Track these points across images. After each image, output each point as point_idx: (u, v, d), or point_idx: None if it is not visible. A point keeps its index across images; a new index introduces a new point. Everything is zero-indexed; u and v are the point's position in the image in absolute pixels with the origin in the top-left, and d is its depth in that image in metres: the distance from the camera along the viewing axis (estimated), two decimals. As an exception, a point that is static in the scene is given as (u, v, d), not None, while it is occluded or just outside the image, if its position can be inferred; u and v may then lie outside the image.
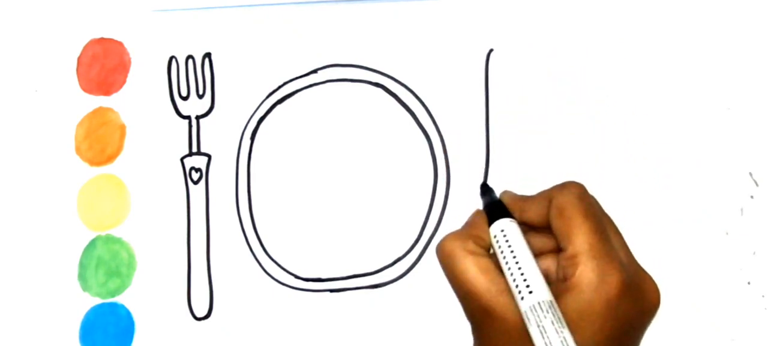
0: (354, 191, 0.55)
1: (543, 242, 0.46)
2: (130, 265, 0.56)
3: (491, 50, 0.55)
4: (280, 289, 0.54)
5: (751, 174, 0.53)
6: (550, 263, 0.46)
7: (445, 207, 0.54)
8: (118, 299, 0.55)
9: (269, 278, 0.55)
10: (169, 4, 0.58)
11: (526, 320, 0.42)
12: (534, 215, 0.46)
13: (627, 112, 0.54)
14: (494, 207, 0.47)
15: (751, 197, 0.52)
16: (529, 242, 0.45)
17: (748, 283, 0.52)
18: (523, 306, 0.42)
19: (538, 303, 0.42)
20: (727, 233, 0.52)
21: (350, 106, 0.56)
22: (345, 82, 0.56)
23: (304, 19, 0.57)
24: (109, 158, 0.57)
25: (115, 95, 0.58)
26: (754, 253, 0.52)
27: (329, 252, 0.54)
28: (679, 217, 0.52)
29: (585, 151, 0.54)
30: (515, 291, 0.43)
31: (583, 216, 0.43)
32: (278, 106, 0.56)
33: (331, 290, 0.54)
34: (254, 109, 0.56)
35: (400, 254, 0.54)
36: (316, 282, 0.54)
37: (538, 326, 0.41)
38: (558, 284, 0.43)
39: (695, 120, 0.53)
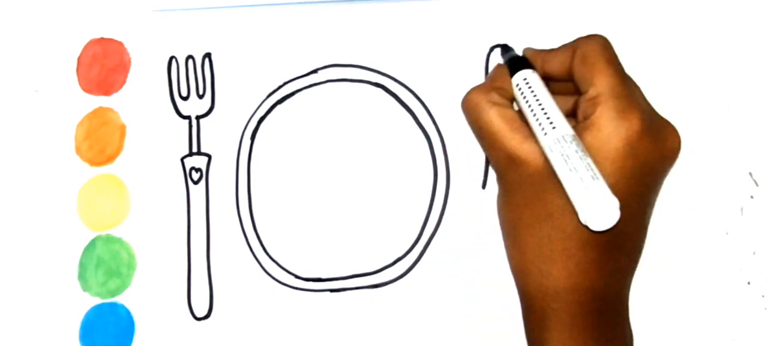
0: (354, 191, 0.55)
1: (564, 88, 0.48)
2: (130, 265, 0.56)
3: (491, 50, 0.55)
4: (280, 289, 0.54)
5: (751, 174, 0.53)
6: (570, 106, 0.47)
7: (445, 207, 0.54)
8: (118, 299, 0.55)
9: (269, 278, 0.55)
10: (169, 4, 0.58)
11: (550, 152, 0.43)
12: (558, 64, 0.47)
13: (627, 112, 0.54)
14: (516, 60, 0.49)
15: (751, 197, 0.52)
16: (550, 89, 0.47)
17: (748, 283, 0.52)
18: (547, 141, 0.44)
19: (562, 136, 0.43)
20: (727, 233, 0.52)
21: (350, 106, 0.56)
22: (345, 82, 0.56)
23: (304, 19, 0.57)
24: (109, 158, 0.57)
25: (115, 95, 0.58)
26: (754, 253, 0.52)
27: (329, 252, 0.54)
28: (679, 217, 0.52)
29: (585, 151, 0.54)
30: (539, 131, 0.44)
31: (606, 61, 0.45)
32: (278, 106, 0.56)
33: (331, 290, 0.54)
34: (254, 109, 0.56)
35: (400, 254, 0.54)
36: (316, 282, 0.54)
37: (562, 155, 0.42)
38: (578, 125, 0.44)
39: (695, 120, 0.53)
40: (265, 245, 0.55)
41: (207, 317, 0.55)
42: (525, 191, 0.45)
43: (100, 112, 0.57)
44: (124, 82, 0.58)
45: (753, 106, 0.53)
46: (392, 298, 0.54)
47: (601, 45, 0.46)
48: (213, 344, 0.54)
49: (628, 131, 0.43)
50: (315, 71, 0.57)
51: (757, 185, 0.53)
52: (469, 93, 0.48)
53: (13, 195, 0.57)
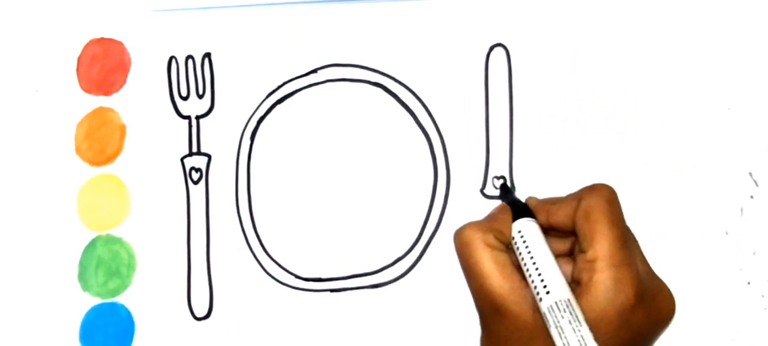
0: (354, 191, 0.55)
1: (562, 245, 0.47)
2: (130, 265, 0.56)
3: (491, 49, 0.55)
4: (280, 289, 0.54)
5: (751, 174, 0.53)
6: (566, 267, 0.46)
7: (445, 207, 0.54)
8: (118, 299, 0.55)
9: (269, 278, 0.55)
10: (169, 4, 0.58)
11: (546, 321, 0.42)
12: (562, 216, 0.46)
13: (626, 112, 0.54)
14: (518, 206, 0.47)
15: (751, 197, 0.52)
16: (551, 246, 0.45)
17: (748, 283, 0.52)
18: (542, 307, 0.43)
19: (556, 303, 0.42)
20: (727, 233, 0.52)
21: (350, 106, 0.56)
22: (345, 81, 0.56)
23: (304, 19, 0.57)
24: (109, 158, 0.57)
25: (115, 95, 0.58)
26: (754, 253, 0.52)
27: (329, 252, 0.54)
28: (679, 217, 0.52)
29: (585, 150, 0.54)
30: (534, 292, 0.43)
31: (609, 223, 0.43)
32: (278, 106, 0.56)
33: (331, 290, 0.54)
34: (254, 109, 0.56)
35: (400, 254, 0.54)
36: (316, 282, 0.54)
37: (556, 327, 0.41)
38: (573, 287, 0.43)
39: (695, 120, 0.53)
40: (265, 245, 0.55)
41: (207, 317, 0.55)
42: (511, 343, 0.44)
43: (100, 112, 0.57)
44: (124, 82, 0.58)
45: (753, 106, 0.53)
46: (392, 298, 0.54)
47: (606, 200, 0.44)
48: (213, 344, 0.54)
49: (623, 305, 0.42)
50: (315, 71, 0.56)
51: (757, 185, 0.53)
52: (463, 228, 0.46)
53: (13, 195, 0.57)
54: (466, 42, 0.55)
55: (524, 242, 0.45)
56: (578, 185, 0.53)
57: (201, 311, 0.55)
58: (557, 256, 0.46)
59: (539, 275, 0.43)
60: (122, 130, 0.57)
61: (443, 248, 0.54)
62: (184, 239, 0.56)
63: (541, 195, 0.53)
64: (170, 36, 0.58)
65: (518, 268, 0.45)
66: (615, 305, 0.42)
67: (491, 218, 0.47)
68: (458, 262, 0.46)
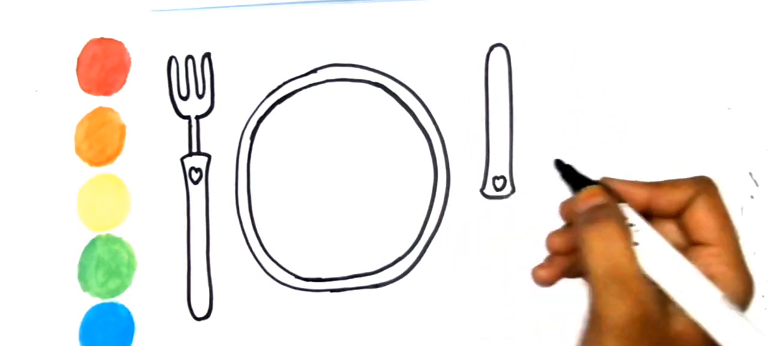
0: (354, 191, 0.55)
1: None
2: (130, 265, 0.56)
3: (491, 49, 0.55)
4: (280, 289, 0.54)
5: (751, 174, 0.53)
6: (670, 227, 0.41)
7: (445, 207, 0.54)
8: (118, 299, 0.55)
9: (269, 278, 0.55)
10: (169, 4, 0.58)
11: (708, 326, 0.38)
12: (669, 201, 0.41)
13: (627, 112, 0.54)
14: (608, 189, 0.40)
15: (751, 197, 0.52)
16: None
17: (748, 283, 0.52)
18: (701, 316, 0.38)
19: (715, 303, 0.37)
20: (727, 233, 0.52)
21: (350, 106, 0.56)
22: (345, 81, 0.56)
23: (304, 19, 0.57)
24: (109, 158, 0.57)
25: (115, 95, 0.58)
26: (754, 253, 0.52)
27: (329, 252, 0.54)
28: (679, 217, 0.52)
29: (585, 150, 0.54)
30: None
31: (727, 218, 0.40)
32: (278, 106, 0.56)
33: (331, 290, 0.54)
34: (254, 109, 0.56)
35: (400, 254, 0.54)
36: (316, 282, 0.54)
37: (725, 328, 0.37)
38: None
39: (695, 120, 0.53)
40: (265, 245, 0.55)
41: (207, 317, 0.55)
42: None
43: (100, 112, 0.57)
44: (124, 82, 0.58)
45: (753, 106, 0.53)
46: (392, 298, 0.54)
47: (722, 199, 0.41)
48: (213, 344, 0.54)
49: (750, 283, 0.40)
50: (314, 71, 0.56)
51: (757, 185, 0.52)
52: (607, 221, 0.39)
53: (13, 195, 0.57)
54: (466, 42, 0.55)
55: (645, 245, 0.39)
56: (578, 184, 0.53)
57: (201, 311, 0.55)
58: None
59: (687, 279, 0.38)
60: (122, 130, 0.57)
61: (443, 248, 0.54)
62: (184, 239, 0.56)
63: (541, 195, 0.53)
64: (170, 36, 0.58)
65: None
66: (752, 293, 0.41)
67: (618, 219, 0.40)
68: (589, 259, 0.39)
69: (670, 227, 0.43)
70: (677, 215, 0.42)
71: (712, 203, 0.41)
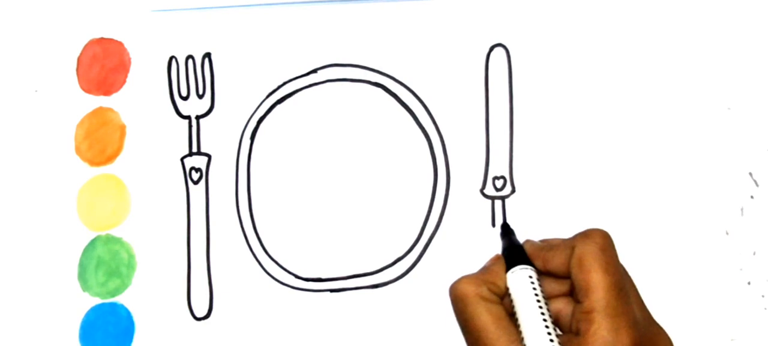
0: (354, 191, 0.55)
1: (559, 285, 0.46)
2: (130, 265, 0.56)
3: (491, 49, 0.55)
4: (280, 289, 0.54)
5: (751, 174, 0.53)
6: (563, 306, 0.45)
7: (445, 207, 0.54)
8: (118, 299, 0.55)
9: (269, 278, 0.55)
10: (169, 4, 0.58)
11: None
12: (557, 264, 0.45)
13: (627, 112, 0.54)
14: (513, 253, 0.47)
15: (751, 197, 0.52)
16: (543, 287, 0.45)
17: (748, 283, 0.52)
18: None
19: None
20: (727, 233, 0.52)
21: (350, 106, 0.56)
22: (345, 82, 0.56)
23: (304, 19, 0.57)
24: (109, 158, 0.57)
25: (115, 95, 0.58)
26: (754, 253, 0.52)
27: (329, 252, 0.54)
28: (679, 217, 0.52)
29: (585, 150, 0.54)
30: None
31: (603, 271, 0.43)
32: (278, 106, 0.56)
33: (331, 290, 0.54)
34: (254, 109, 0.56)
35: (400, 254, 0.54)
36: (316, 282, 0.54)
37: None
38: (571, 337, 0.43)
39: (695, 120, 0.53)
40: (265, 245, 0.55)
41: (207, 317, 0.55)
42: None
43: (100, 112, 0.57)
44: (124, 82, 0.58)
45: (753, 106, 0.53)
46: (392, 298, 0.54)
47: (599, 248, 0.44)
48: (213, 344, 0.54)
49: None
50: (315, 71, 0.57)
51: (757, 185, 0.53)
52: (458, 282, 0.45)
53: (13, 195, 0.57)
54: (466, 42, 0.55)
55: (516, 293, 0.45)
56: (578, 184, 0.53)
57: (201, 311, 0.55)
58: (557, 297, 0.46)
59: (528, 328, 0.43)
60: (122, 130, 0.57)
61: (443, 248, 0.54)
62: (184, 239, 0.56)
63: (541, 195, 0.53)
64: (170, 36, 0.58)
65: (515, 319, 0.44)
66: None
67: (485, 270, 0.47)
68: (455, 316, 0.46)
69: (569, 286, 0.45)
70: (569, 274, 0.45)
71: (580, 261, 0.44)
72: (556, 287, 0.46)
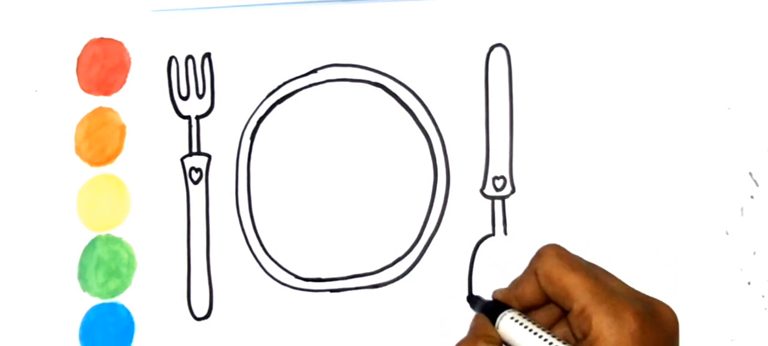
0: (354, 191, 0.55)
1: (546, 314, 0.47)
2: (130, 265, 0.56)
3: (491, 49, 0.55)
4: (280, 289, 0.54)
5: (751, 174, 0.53)
6: (564, 330, 0.46)
7: (445, 207, 0.54)
8: (118, 299, 0.55)
9: (269, 278, 0.55)
10: (169, 4, 0.58)
11: None
12: (530, 294, 0.46)
13: (627, 112, 0.54)
14: (491, 306, 0.48)
15: (751, 197, 0.52)
16: (536, 321, 0.46)
17: (748, 283, 0.52)
18: None
19: None
20: (727, 233, 0.52)
21: (350, 106, 0.56)
22: (345, 82, 0.56)
23: (304, 19, 0.57)
24: (109, 158, 0.57)
25: (115, 95, 0.58)
26: (754, 253, 0.52)
27: (329, 252, 0.54)
28: (679, 217, 0.52)
29: (585, 150, 0.54)
30: None
31: (571, 270, 0.44)
32: (278, 106, 0.56)
33: (331, 290, 0.54)
34: (254, 109, 0.56)
35: (400, 254, 0.54)
36: (316, 282, 0.54)
37: None
38: (581, 344, 0.43)
39: (695, 120, 0.53)
40: (265, 245, 0.55)
41: (207, 317, 0.55)
42: None
43: (100, 112, 0.57)
44: (124, 82, 0.58)
45: (753, 106, 0.53)
46: (392, 298, 0.54)
47: (556, 256, 0.45)
48: (213, 344, 0.54)
49: (632, 330, 0.42)
50: (315, 71, 0.57)
51: (757, 184, 0.53)
52: None
53: (13, 195, 0.57)
54: (466, 42, 0.55)
55: (512, 334, 0.45)
56: (578, 184, 0.53)
57: (201, 311, 0.55)
58: (554, 323, 0.46)
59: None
60: (122, 130, 0.57)
61: (443, 248, 0.54)
62: (184, 239, 0.56)
63: (541, 196, 0.54)
64: (170, 36, 0.58)
65: None
66: (624, 334, 0.42)
67: (474, 328, 0.48)
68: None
69: (554, 310, 0.45)
70: (547, 301, 0.46)
71: (547, 278, 0.45)
72: (544, 316, 0.47)
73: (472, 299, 0.51)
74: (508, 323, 0.46)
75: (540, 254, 0.46)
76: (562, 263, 0.44)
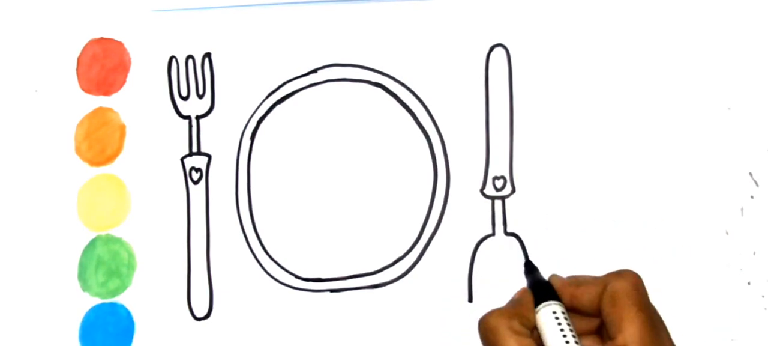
0: (354, 191, 0.55)
1: (589, 323, 0.46)
2: (130, 265, 0.56)
3: (491, 49, 0.55)
4: (280, 289, 0.54)
5: (751, 174, 0.53)
6: (590, 343, 0.46)
7: (445, 207, 0.54)
8: (118, 299, 0.55)
9: (269, 278, 0.55)
10: (169, 4, 0.58)
11: None
12: (587, 300, 0.46)
13: (627, 112, 0.54)
14: (542, 288, 0.47)
15: (751, 197, 0.52)
16: (573, 324, 0.45)
17: (748, 283, 0.52)
18: None
19: None
20: (727, 233, 0.52)
21: (350, 106, 0.56)
22: (345, 82, 0.56)
23: (304, 19, 0.57)
24: (109, 158, 0.57)
25: (115, 95, 0.58)
26: (754, 253, 0.52)
27: (329, 252, 0.54)
28: (679, 217, 0.52)
29: (584, 150, 0.54)
30: None
31: (637, 307, 0.43)
32: (278, 106, 0.56)
33: (331, 290, 0.54)
34: (254, 109, 0.56)
35: (400, 254, 0.54)
36: (316, 282, 0.54)
37: None
38: None
39: (695, 120, 0.53)
40: (265, 245, 0.55)
41: (207, 317, 0.55)
42: None
43: (100, 112, 0.57)
44: (124, 82, 0.58)
45: (753, 106, 0.53)
46: (392, 298, 0.54)
47: (633, 285, 0.44)
48: (213, 344, 0.54)
49: None
50: (315, 71, 0.57)
51: (757, 185, 0.53)
52: (488, 315, 0.45)
53: (13, 195, 0.57)
54: (466, 42, 0.55)
55: (553, 324, 0.45)
56: (578, 184, 0.53)
57: (201, 311, 0.55)
58: (584, 335, 0.46)
59: None
60: (122, 130, 0.57)
61: (443, 248, 0.54)
62: (184, 239, 0.56)
63: (541, 196, 0.54)
64: (170, 36, 0.58)
65: None
66: None
67: (515, 302, 0.47)
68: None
69: (595, 322, 0.46)
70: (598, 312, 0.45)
71: (613, 298, 0.44)
72: (583, 324, 0.46)
73: (529, 267, 0.50)
74: (547, 316, 0.45)
75: (620, 274, 0.45)
76: (635, 294, 0.44)
